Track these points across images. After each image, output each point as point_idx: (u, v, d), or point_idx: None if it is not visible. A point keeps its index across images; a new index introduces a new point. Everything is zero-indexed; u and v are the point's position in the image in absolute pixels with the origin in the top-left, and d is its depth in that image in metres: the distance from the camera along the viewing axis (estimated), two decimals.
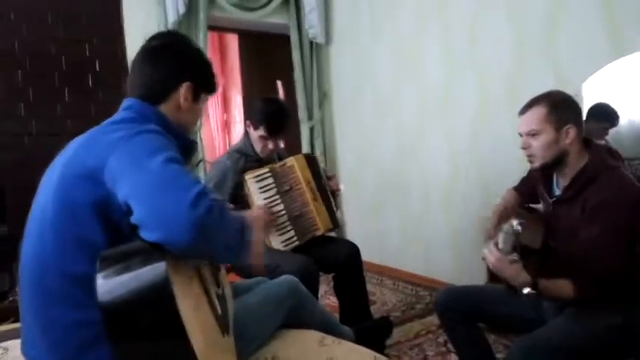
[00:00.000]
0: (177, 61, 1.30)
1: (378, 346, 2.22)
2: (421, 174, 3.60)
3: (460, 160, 3.28)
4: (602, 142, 2.24)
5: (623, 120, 2.38)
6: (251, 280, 1.77)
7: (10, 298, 2.70)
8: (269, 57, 4.69)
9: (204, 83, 1.36)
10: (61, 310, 1.07)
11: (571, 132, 1.56)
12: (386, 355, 2.32)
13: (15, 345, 1.48)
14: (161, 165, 1.00)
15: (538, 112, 1.59)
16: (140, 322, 0.92)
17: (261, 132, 2.34)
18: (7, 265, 2.63)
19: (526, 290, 1.48)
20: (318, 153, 4.28)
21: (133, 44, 3.31)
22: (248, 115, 2.48)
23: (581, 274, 1.48)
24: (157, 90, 1.27)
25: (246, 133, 2.44)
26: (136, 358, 0.94)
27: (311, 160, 2.50)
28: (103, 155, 1.05)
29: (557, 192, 1.69)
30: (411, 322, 2.89)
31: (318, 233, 2.44)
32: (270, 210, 2.30)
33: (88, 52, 3.30)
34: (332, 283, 2.58)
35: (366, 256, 2.67)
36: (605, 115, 2.40)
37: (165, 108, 1.27)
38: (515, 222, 1.48)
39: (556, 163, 1.61)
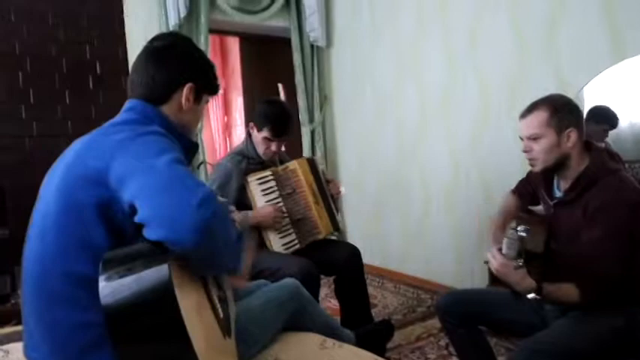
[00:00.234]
0: (179, 63, 1.30)
1: (379, 350, 2.21)
2: (422, 176, 3.60)
3: (461, 162, 3.28)
4: (602, 145, 2.24)
5: (625, 123, 2.38)
6: (252, 283, 1.77)
7: (12, 301, 2.70)
8: (270, 60, 4.69)
9: (206, 84, 1.36)
10: (64, 312, 1.06)
11: (572, 135, 1.57)
12: (387, 359, 2.32)
13: (16, 348, 1.48)
14: (167, 165, 1.01)
15: (539, 116, 1.59)
16: (143, 325, 0.92)
17: (264, 133, 2.34)
18: (8, 267, 2.63)
19: (531, 295, 1.48)
20: (319, 156, 4.28)
21: (134, 46, 3.32)
22: (251, 117, 2.48)
23: (585, 278, 1.48)
24: (159, 91, 1.27)
25: (249, 135, 2.44)
26: None
27: (313, 164, 2.51)
28: (107, 157, 1.05)
29: (558, 194, 1.69)
30: (412, 325, 2.88)
31: (320, 237, 2.44)
32: (278, 208, 2.30)
33: (88, 54, 3.30)
34: (333, 286, 2.58)
35: (367, 258, 2.67)
36: (604, 117, 2.40)
37: (167, 109, 1.28)
38: (519, 228, 1.48)
39: (557, 166, 1.62)
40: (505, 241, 1.51)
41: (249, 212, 2.25)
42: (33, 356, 1.13)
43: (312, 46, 4.27)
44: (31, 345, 1.14)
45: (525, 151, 1.65)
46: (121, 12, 3.40)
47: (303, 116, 4.28)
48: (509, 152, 2.84)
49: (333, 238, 2.65)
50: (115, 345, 0.91)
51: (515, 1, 2.82)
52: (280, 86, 4.57)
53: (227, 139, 6.63)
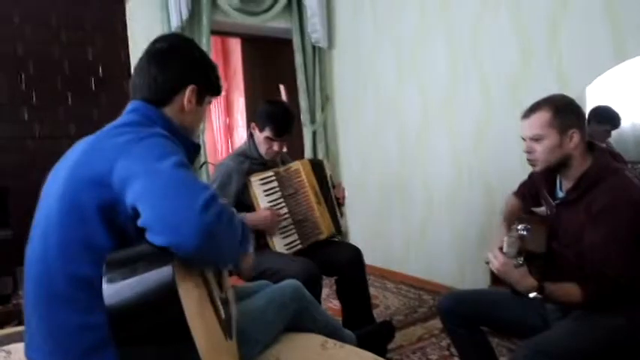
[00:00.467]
0: (182, 64, 1.30)
1: (381, 350, 2.21)
2: (424, 177, 3.60)
3: (463, 163, 3.28)
4: (604, 145, 2.24)
5: (627, 124, 2.38)
6: (254, 283, 1.77)
7: (14, 302, 2.71)
8: (272, 61, 4.70)
9: (209, 86, 1.36)
10: (66, 313, 1.06)
11: (575, 136, 1.56)
12: (388, 359, 2.32)
13: (18, 348, 1.48)
14: (171, 169, 1.01)
15: (542, 117, 1.58)
16: (145, 326, 0.93)
17: (266, 133, 2.34)
18: (10, 268, 2.64)
19: (532, 295, 1.48)
20: (320, 157, 4.28)
21: (137, 49, 3.31)
22: (253, 117, 2.49)
23: (588, 279, 1.47)
24: (161, 93, 1.27)
25: (251, 136, 2.44)
26: None
27: (316, 166, 2.52)
28: (111, 159, 1.05)
29: (561, 194, 1.69)
30: (413, 325, 2.88)
31: (322, 237, 2.45)
32: (276, 211, 2.30)
33: (91, 56, 3.31)
34: (334, 287, 2.58)
35: (369, 259, 2.67)
36: (606, 117, 2.40)
37: (169, 111, 1.28)
38: (520, 227, 1.48)
39: (559, 166, 1.61)
40: (506, 239, 1.51)
41: (248, 215, 2.25)
42: (34, 357, 1.13)
43: (313, 47, 4.27)
44: (32, 346, 1.14)
45: (527, 152, 1.64)
46: (124, 14, 3.41)
47: (304, 117, 4.28)
48: (511, 152, 2.84)
49: (336, 240, 2.64)
50: (118, 346, 0.91)
51: (518, 2, 2.82)
52: (282, 87, 4.58)
53: (229, 140, 6.64)
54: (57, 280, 1.07)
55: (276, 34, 4.27)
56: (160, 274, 0.92)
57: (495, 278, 2.08)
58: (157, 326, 0.93)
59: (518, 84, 2.85)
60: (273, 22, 4.09)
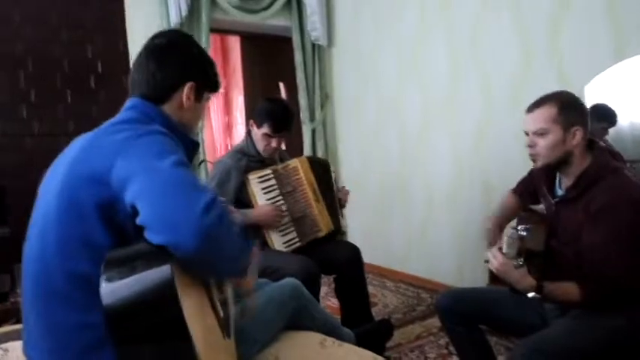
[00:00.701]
0: (180, 61, 1.29)
1: (379, 349, 2.22)
2: (424, 176, 3.60)
3: (463, 162, 3.28)
4: (602, 144, 2.24)
5: (625, 122, 2.38)
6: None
7: (12, 299, 2.71)
8: (271, 59, 4.69)
9: (207, 82, 1.36)
10: (64, 312, 1.06)
11: (578, 134, 1.56)
12: (387, 357, 2.33)
13: (15, 346, 1.48)
14: (170, 167, 1.00)
15: (547, 112, 1.58)
16: (144, 325, 0.93)
17: (265, 130, 2.34)
18: (8, 266, 2.64)
19: (531, 294, 1.48)
20: (320, 155, 4.28)
21: (136, 46, 3.31)
22: (251, 114, 2.49)
23: (587, 278, 1.47)
24: (160, 89, 1.27)
25: (249, 133, 2.44)
26: None
27: (316, 164, 2.53)
28: (109, 156, 1.04)
29: (560, 192, 1.69)
30: (412, 324, 2.89)
31: (321, 234, 2.45)
32: (277, 207, 2.30)
33: (90, 54, 3.31)
34: (333, 285, 2.58)
35: (367, 257, 2.67)
36: (604, 114, 2.40)
37: (167, 107, 1.27)
38: (519, 227, 1.48)
39: (559, 163, 1.61)
40: (505, 239, 1.51)
41: (249, 211, 2.25)
42: (32, 355, 1.13)
43: (313, 44, 4.27)
44: (30, 344, 1.13)
45: (529, 146, 1.63)
46: (123, 12, 3.41)
47: (304, 115, 4.28)
48: (511, 152, 2.84)
49: (335, 238, 2.64)
50: (116, 345, 0.91)
51: (519, 1, 2.82)
52: (281, 85, 4.57)
53: (228, 138, 6.64)
54: (55, 278, 1.06)
55: (275, 31, 4.27)
56: (159, 273, 0.92)
57: (494, 277, 2.08)
58: (155, 325, 0.93)
59: (518, 83, 2.85)
60: (273, 19, 4.08)
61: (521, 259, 1.48)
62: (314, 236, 2.43)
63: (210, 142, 6.18)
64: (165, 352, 0.94)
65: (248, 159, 2.39)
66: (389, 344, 2.45)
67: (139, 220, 0.98)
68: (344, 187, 2.67)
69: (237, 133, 6.49)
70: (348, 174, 4.38)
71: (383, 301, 3.33)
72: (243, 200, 2.29)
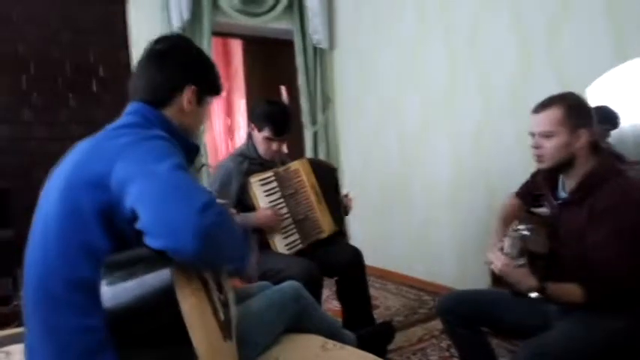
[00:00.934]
0: (181, 65, 1.30)
1: (381, 351, 2.21)
2: (424, 177, 3.60)
3: (464, 163, 3.28)
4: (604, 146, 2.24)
5: (627, 124, 2.38)
6: (254, 285, 1.77)
7: (14, 303, 2.71)
8: (273, 62, 4.70)
9: (208, 86, 1.36)
10: (65, 316, 1.06)
11: (583, 137, 1.55)
12: None
13: (17, 349, 1.49)
14: (169, 171, 1.00)
15: (554, 114, 1.57)
16: (144, 329, 0.93)
17: (265, 133, 2.35)
18: (11, 269, 2.64)
19: (533, 295, 1.48)
20: (321, 158, 4.28)
21: (137, 50, 3.33)
22: (251, 117, 2.50)
23: (590, 279, 1.47)
24: (160, 94, 1.27)
25: (250, 136, 2.45)
26: None
27: (317, 166, 2.53)
28: (110, 161, 1.04)
29: (563, 195, 1.68)
30: (414, 326, 2.88)
31: (323, 236, 2.45)
32: (277, 211, 2.30)
33: (92, 58, 3.32)
34: (335, 288, 2.58)
35: (369, 260, 2.66)
36: (606, 117, 2.39)
37: (169, 112, 1.28)
38: (521, 227, 1.47)
39: (563, 165, 1.60)
40: (507, 240, 1.51)
41: (250, 215, 2.26)
42: (34, 359, 1.13)
43: (315, 48, 4.28)
44: (31, 347, 1.13)
45: (535, 147, 1.63)
46: (125, 15, 3.42)
47: (305, 118, 4.28)
48: (511, 152, 2.84)
49: (337, 241, 2.64)
50: (117, 349, 0.91)
51: (518, 2, 2.82)
52: (282, 88, 4.58)
53: (230, 141, 6.64)
54: (56, 283, 1.06)
55: (277, 35, 4.28)
56: (159, 277, 0.92)
57: (496, 279, 2.07)
58: (155, 329, 0.93)
59: (518, 84, 2.85)
60: (275, 23, 4.09)
61: (523, 260, 1.48)
62: (316, 238, 2.43)
63: (212, 145, 6.19)
64: (165, 355, 0.94)
65: (249, 162, 2.39)
66: (391, 347, 2.44)
67: (138, 225, 0.98)
68: (348, 194, 2.66)
69: (239, 136, 6.50)
70: (349, 176, 4.38)
71: (385, 303, 3.33)
72: (245, 203, 2.29)
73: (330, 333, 1.65)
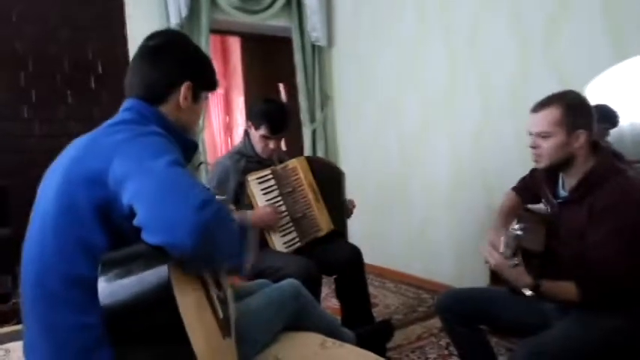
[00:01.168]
0: (175, 61, 1.29)
1: (380, 349, 2.21)
2: (423, 176, 3.60)
3: (463, 162, 3.28)
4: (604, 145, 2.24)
5: (626, 123, 2.38)
6: (253, 283, 1.77)
7: (13, 300, 2.71)
8: (271, 60, 4.70)
9: (204, 82, 1.35)
10: (63, 313, 1.06)
11: (582, 137, 1.54)
12: (387, 358, 2.33)
13: (16, 347, 1.49)
14: (166, 167, 1.00)
15: (552, 114, 1.56)
16: (142, 326, 0.92)
17: (262, 131, 2.35)
18: (10, 266, 2.64)
19: (528, 292, 1.48)
20: (320, 156, 4.27)
21: (135, 46, 3.29)
22: (248, 115, 2.50)
23: (586, 277, 1.47)
24: (156, 91, 1.26)
25: (247, 134, 2.45)
26: None
27: (315, 164, 2.53)
28: (107, 158, 1.04)
29: (563, 193, 1.68)
30: (413, 324, 2.89)
31: (321, 234, 2.45)
32: (276, 209, 2.30)
33: (90, 54, 3.31)
34: (334, 286, 2.58)
35: (368, 258, 2.67)
36: (605, 116, 2.39)
37: (165, 108, 1.27)
38: (516, 226, 1.47)
39: (562, 165, 1.60)
40: (502, 238, 1.51)
41: (248, 213, 2.25)
42: (32, 356, 1.13)
43: (313, 45, 4.27)
44: (30, 345, 1.14)
45: (532, 147, 1.62)
46: (123, 12, 3.41)
47: (304, 116, 4.28)
48: (510, 152, 2.84)
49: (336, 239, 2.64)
50: (114, 346, 0.91)
51: (517, 1, 2.82)
52: (281, 86, 4.58)
53: (228, 139, 6.64)
54: (53, 280, 1.06)
55: (275, 32, 4.27)
56: (156, 273, 0.92)
57: (495, 277, 2.07)
58: (153, 326, 0.92)
59: (517, 83, 2.85)
60: (273, 20, 4.08)
61: (517, 258, 1.48)
62: (314, 236, 2.43)
63: (211, 142, 6.19)
64: (162, 353, 0.94)
65: (246, 160, 2.39)
66: (390, 345, 2.44)
67: (136, 222, 0.97)
68: (351, 200, 2.65)
69: (237, 133, 6.50)
70: (348, 175, 4.34)
71: (384, 301, 3.33)
72: (242, 201, 2.29)
73: (329, 331, 1.65)
